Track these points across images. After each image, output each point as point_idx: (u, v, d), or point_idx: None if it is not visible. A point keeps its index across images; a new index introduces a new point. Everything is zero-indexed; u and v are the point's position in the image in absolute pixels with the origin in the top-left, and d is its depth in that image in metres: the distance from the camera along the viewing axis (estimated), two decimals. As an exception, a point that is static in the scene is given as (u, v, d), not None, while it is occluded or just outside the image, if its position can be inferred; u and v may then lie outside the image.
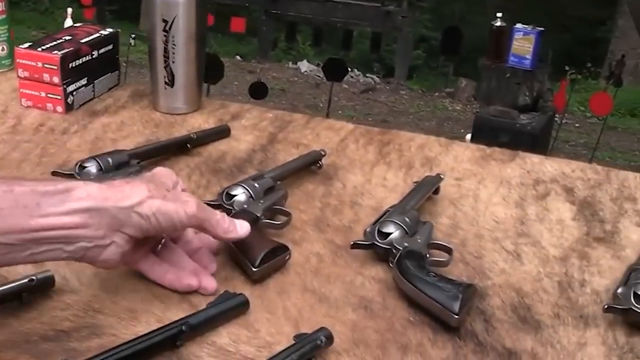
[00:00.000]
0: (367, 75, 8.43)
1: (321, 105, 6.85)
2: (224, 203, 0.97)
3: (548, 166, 1.18)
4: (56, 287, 0.83)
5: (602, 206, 1.07)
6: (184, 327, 0.75)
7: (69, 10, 5.25)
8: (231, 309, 0.80)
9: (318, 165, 1.13)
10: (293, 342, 0.74)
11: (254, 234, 0.91)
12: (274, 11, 8.69)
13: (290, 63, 8.97)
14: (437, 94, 7.98)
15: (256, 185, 0.99)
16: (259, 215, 0.95)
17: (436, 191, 1.05)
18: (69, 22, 5.20)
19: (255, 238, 0.90)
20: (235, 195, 0.98)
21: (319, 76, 7.58)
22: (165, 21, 1.28)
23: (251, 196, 0.98)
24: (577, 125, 6.89)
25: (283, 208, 0.99)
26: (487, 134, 3.55)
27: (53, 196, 0.72)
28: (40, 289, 0.82)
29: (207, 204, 0.98)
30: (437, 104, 7.56)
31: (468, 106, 7.13)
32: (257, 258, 0.86)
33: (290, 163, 1.11)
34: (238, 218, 0.93)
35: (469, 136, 3.93)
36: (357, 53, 8.64)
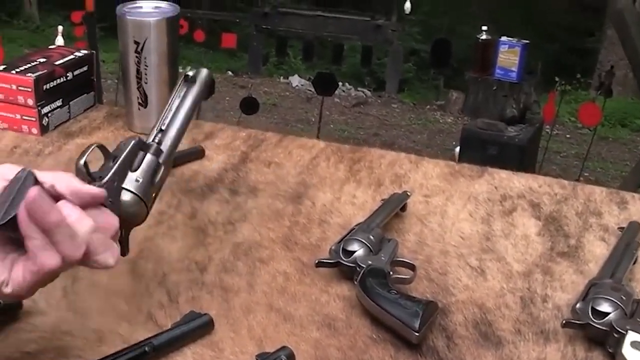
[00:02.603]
0: (359, 88, 8.45)
1: (313, 120, 6.87)
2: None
3: (516, 182, 1.18)
4: (24, 309, 0.83)
5: (567, 221, 1.08)
6: (147, 348, 0.76)
7: (60, 27, 5.26)
8: (196, 329, 0.81)
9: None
10: (255, 362, 0.75)
11: None
12: (265, 26, 8.70)
13: (282, 78, 9.00)
14: (428, 106, 7.99)
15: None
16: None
17: (403, 208, 1.06)
18: (59, 40, 5.21)
19: None
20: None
21: (311, 90, 7.59)
22: (137, 42, 1.29)
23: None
24: (568, 136, 6.91)
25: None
26: (475, 146, 3.57)
27: None
28: (8, 311, 0.83)
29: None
30: (429, 117, 7.57)
31: (459, 119, 7.13)
32: None
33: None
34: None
35: (457, 149, 3.95)
36: (348, 67, 8.65)
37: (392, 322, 0.80)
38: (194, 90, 0.92)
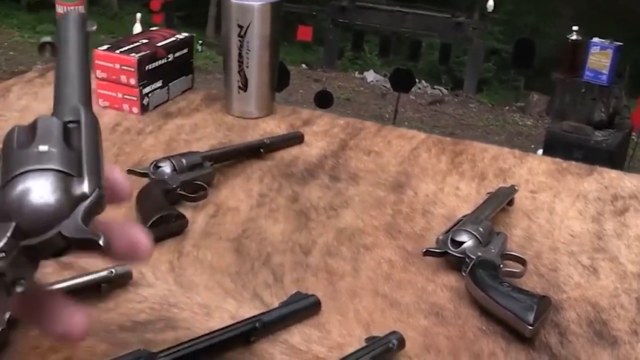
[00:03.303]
0: (435, 86, 8.36)
1: (387, 116, 6.84)
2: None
3: (627, 182, 1.15)
4: (133, 281, 0.85)
5: (684, 224, 1.04)
6: (257, 324, 0.77)
7: (138, 15, 5.37)
8: (303, 309, 0.82)
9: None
10: (364, 344, 0.74)
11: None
12: (342, 20, 8.71)
13: (357, 73, 8.98)
14: (507, 107, 7.84)
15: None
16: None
17: (510, 203, 1.04)
18: (137, 27, 5.30)
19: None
20: None
21: (386, 86, 7.56)
22: (240, 26, 1.30)
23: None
24: (654, 144, 6.66)
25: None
26: (559, 150, 3.47)
27: None
28: (119, 282, 0.85)
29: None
30: (507, 118, 7.43)
31: (539, 121, 6.97)
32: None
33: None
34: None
35: (540, 152, 3.86)
36: (425, 64, 8.57)
37: (503, 315, 0.79)
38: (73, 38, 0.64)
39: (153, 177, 1.05)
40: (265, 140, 1.21)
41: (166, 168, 1.06)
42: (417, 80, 6.65)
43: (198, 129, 1.31)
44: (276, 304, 0.82)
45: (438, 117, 7.32)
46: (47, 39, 0.65)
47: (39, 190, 0.48)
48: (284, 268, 0.91)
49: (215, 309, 0.82)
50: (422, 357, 0.76)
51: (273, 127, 1.33)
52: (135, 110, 1.35)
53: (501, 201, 1.01)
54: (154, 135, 1.27)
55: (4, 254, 0.45)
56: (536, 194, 1.11)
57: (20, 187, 0.48)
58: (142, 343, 0.73)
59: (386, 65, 8.48)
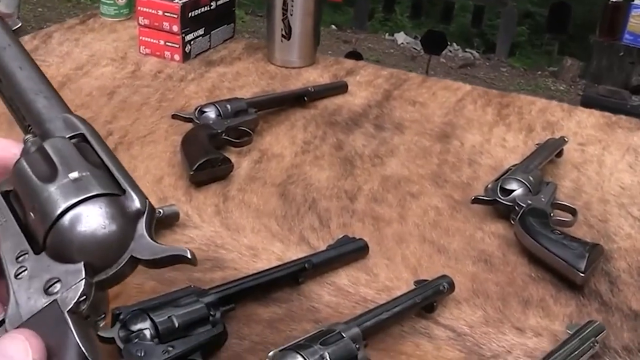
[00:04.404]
0: (467, 50, 8.23)
1: (417, 79, 6.74)
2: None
3: (679, 136, 1.13)
4: (179, 222, 0.86)
5: None
6: (306, 265, 0.77)
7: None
8: (351, 252, 0.82)
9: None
10: (413, 287, 0.74)
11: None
12: (374, -19, 8.56)
13: (387, 34, 8.86)
14: (539, 72, 7.69)
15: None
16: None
17: (559, 154, 1.03)
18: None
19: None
20: None
21: (416, 49, 7.45)
22: (286, -28, 1.29)
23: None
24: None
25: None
26: (594, 113, 3.41)
27: None
28: (166, 222, 0.85)
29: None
30: (539, 83, 7.30)
31: (572, 87, 6.85)
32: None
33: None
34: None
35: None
36: (457, 26, 8.43)
37: (554, 262, 0.78)
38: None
39: (197, 122, 1.05)
40: (309, 89, 1.21)
41: (211, 113, 1.06)
42: (448, 42, 6.55)
43: (240, 77, 1.30)
44: (323, 248, 0.82)
45: (469, 81, 7.17)
46: None
47: (98, 220, 0.45)
48: (330, 213, 0.91)
49: (262, 250, 0.83)
50: (471, 302, 0.76)
51: (316, 76, 1.32)
52: (177, 57, 1.34)
53: (550, 152, 1.00)
54: (196, 83, 1.27)
55: (85, 297, 0.44)
56: (585, 147, 1.09)
57: (75, 222, 0.45)
58: (190, 282, 0.74)
59: (417, 27, 8.34)
